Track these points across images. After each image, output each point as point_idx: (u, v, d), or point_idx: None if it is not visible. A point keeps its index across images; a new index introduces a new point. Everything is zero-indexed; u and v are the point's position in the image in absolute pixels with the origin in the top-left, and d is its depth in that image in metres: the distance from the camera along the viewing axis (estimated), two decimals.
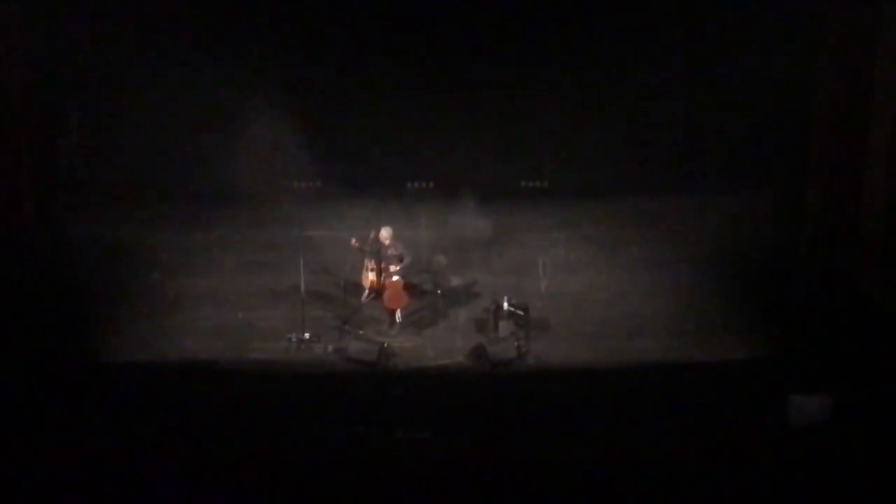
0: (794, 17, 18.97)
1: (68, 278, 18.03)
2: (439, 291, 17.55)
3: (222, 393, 15.21)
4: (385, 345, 16.26)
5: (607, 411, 14.89)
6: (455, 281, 17.83)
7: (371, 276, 17.49)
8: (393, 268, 16.80)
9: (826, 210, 18.65)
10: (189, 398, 15.00)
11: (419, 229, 19.80)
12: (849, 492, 13.39)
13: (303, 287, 16.80)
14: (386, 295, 16.93)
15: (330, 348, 16.45)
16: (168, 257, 19.23)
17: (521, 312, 16.68)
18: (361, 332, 16.86)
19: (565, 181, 21.54)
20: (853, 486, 13.43)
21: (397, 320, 17.12)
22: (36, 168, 19.35)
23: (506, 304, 16.68)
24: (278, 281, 18.28)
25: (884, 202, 17.83)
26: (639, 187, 21.09)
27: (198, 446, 14.11)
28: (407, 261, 16.95)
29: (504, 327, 16.62)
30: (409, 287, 17.26)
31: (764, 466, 13.77)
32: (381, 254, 16.95)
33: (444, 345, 16.69)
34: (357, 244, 16.96)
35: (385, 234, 16.96)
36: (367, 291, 17.64)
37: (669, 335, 16.89)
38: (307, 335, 16.56)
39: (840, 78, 18.16)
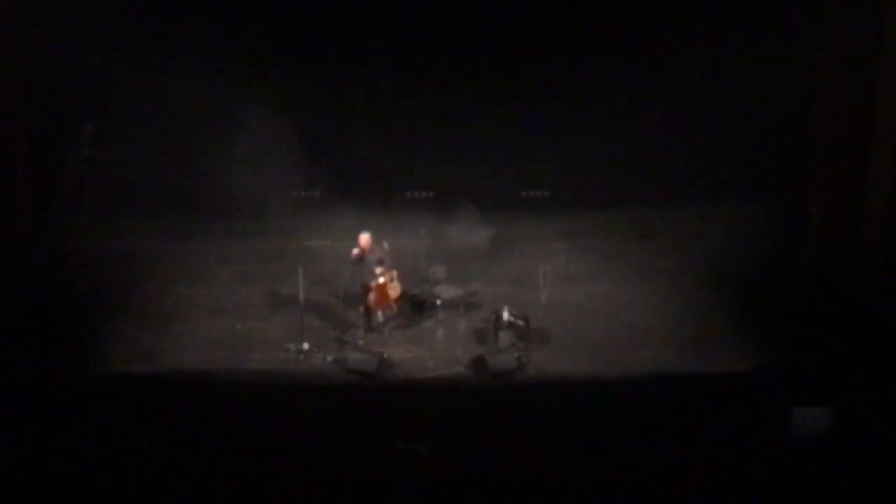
0: (795, 26, 19.00)
1: (66, 289, 17.99)
2: (438, 302, 17.51)
3: (220, 404, 15.16)
4: (385, 355, 16.23)
5: (608, 422, 14.86)
6: (454, 291, 17.76)
7: None
8: (379, 270, 16.76)
9: (827, 220, 18.63)
10: (187, 409, 14.96)
11: (419, 239, 19.77)
12: (850, 503, 13.36)
13: (302, 297, 16.76)
14: (372, 297, 16.88)
15: (329, 359, 16.40)
16: (166, 267, 19.20)
17: (521, 323, 16.65)
18: (361, 342, 16.80)
19: (566, 191, 21.54)
20: (855, 497, 13.39)
21: (380, 320, 17.10)
22: (34, 179, 19.36)
23: (506, 315, 16.65)
24: (277, 291, 18.25)
25: (886, 212, 17.81)
26: (639, 198, 21.08)
27: (196, 457, 14.05)
28: (387, 262, 16.88)
29: (504, 338, 16.59)
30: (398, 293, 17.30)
31: (765, 478, 13.73)
32: (364, 259, 16.90)
33: (444, 355, 16.64)
34: (357, 254, 16.90)
35: (365, 238, 16.90)
36: None
37: (670, 346, 16.85)
38: (306, 345, 16.51)
39: (842, 88, 18.16)
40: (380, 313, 17.17)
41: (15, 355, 15.94)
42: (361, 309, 17.16)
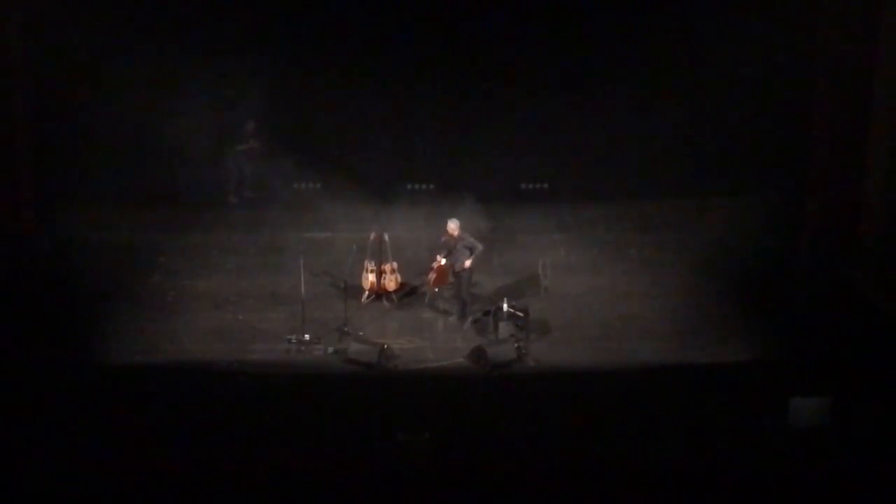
0: (793, 21, 19.04)
1: (68, 280, 18.03)
2: (506, 307, 17.15)
3: (222, 394, 15.21)
4: (385, 346, 16.28)
5: (607, 413, 14.90)
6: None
7: (371, 278, 17.55)
8: (467, 263, 16.93)
9: (825, 213, 18.70)
10: (189, 400, 15.00)
11: (419, 231, 19.81)
12: (848, 494, 13.42)
13: (303, 289, 16.81)
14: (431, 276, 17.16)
15: (330, 350, 16.45)
16: (168, 259, 19.24)
17: (520, 314, 16.69)
18: (361, 333, 16.87)
19: (565, 184, 21.59)
20: (852, 488, 13.46)
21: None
22: (36, 171, 19.41)
23: (505, 306, 16.70)
24: (278, 282, 18.30)
25: (882, 205, 17.89)
26: (639, 190, 21.13)
27: (198, 448, 14.11)
28: (479, 250, 16.99)
29: (504, 329, 16.64)
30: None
31: (763, 468, 13.79)
32: (450, 246, 17.00)
33: (444, 346, 16.69)
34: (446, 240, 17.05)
35: (453, 225, 16.99)
36: (366, 293, 17.68)
37: (669, 337, 16.89)
38: (307, 337, 16.56)
39: (839, 83, 18.21)
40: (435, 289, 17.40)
41: (17, 346, 15.99)
42: (363, 299, 17.45)
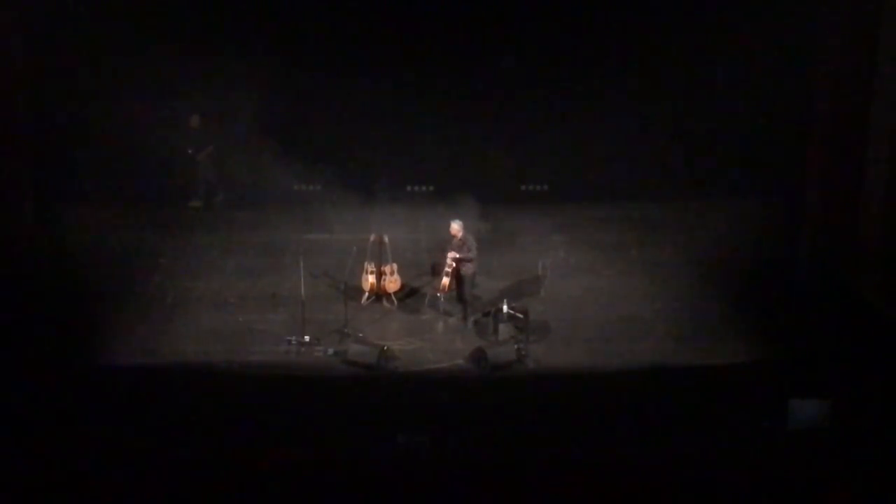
0: (793, 21, 19.05)
1: (68, 281, 18.03)
2: (505, 308, 17.21)
3: (222, 396, 15.22)
4: (385, 348, 16.28)
5: (607, 414, 14.92)
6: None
7: (371, 279, 17.55)
8: (470, 267, 16.99)
9: (825, 214, 18.69)
10: (188, 401, 15.01)
11: (419, 232, 19.81)
12: (847, 496, 13.43)
13: (303, 290, 16.82)
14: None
15: (330, 351, 16.46)
16: (168, 260, 19.24)
17: (520, 316, 16.70)
18: (361, 334, 16.87)
19: (565, 185, 21.58)
20: (852, 489, 13.46)
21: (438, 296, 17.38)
22: (36, 171, 19.41)
23: (505, 308, 16.70)
24: (278, 284, 18.30)
25: (882, 206, 17.86)
26: (638, 191, 21.12)
27: (197, 450, 14.12)
28: (473, 254, 17.02)
29: (504, 330, 16.65)
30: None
31: (762, 470, 13.80)
32: (454, 247, 17.01)
33: (444, 348, 16.69)
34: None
35: (456, 226, 17.01)
36: (366, 294, 17.68)
37: (669, 339, 16.90)
38: (307, 338, 16.57)
39: (839, 82, 18.19)
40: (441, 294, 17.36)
41: (17, 347, 15.99)
42: (363, 300, 17.43)
